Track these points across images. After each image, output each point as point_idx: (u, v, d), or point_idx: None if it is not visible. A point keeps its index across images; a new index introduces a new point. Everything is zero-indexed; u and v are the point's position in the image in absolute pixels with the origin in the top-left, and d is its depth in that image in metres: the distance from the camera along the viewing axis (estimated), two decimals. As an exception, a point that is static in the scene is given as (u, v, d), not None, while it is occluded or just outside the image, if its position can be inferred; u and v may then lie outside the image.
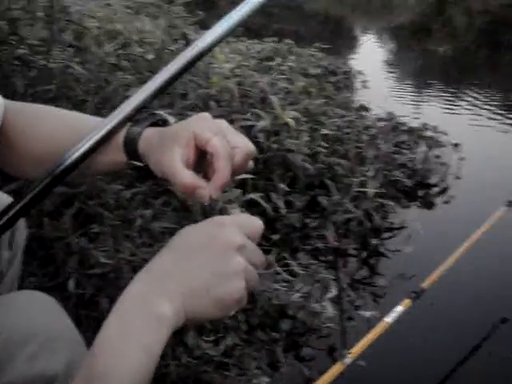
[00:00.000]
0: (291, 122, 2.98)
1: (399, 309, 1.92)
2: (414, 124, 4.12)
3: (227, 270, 0.63)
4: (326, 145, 3.35)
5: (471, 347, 2.37)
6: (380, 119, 4.06)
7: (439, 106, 6.17)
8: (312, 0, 15.16)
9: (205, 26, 4.10)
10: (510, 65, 9.58)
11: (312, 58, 5.22)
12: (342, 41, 9.87)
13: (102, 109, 2.18)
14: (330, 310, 2.44)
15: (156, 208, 2.18)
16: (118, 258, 1.82)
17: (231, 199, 2.42)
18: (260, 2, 0.86)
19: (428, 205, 3.68)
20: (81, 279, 1.76)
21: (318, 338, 2.35)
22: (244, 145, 0.73)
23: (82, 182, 1.79)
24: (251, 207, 2.66)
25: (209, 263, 0.63)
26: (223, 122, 0.74)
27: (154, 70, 2.72)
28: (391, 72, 8.42)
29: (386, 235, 3.24)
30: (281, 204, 2.94)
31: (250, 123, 3.07)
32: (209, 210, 2.58)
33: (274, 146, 3.03)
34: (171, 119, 0.87)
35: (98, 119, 0.86)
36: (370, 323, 2.37)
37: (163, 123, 0.82)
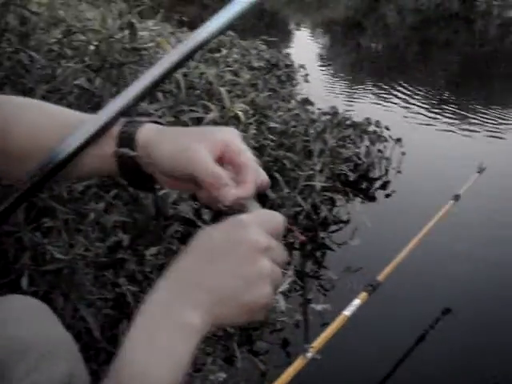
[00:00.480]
0: (241, 115, 2.95)
1: (356, 302, 1.93)
2: (358, 118, 4.17)
3: (253, 274, 0.60)
4: (273, 138, 3.34)
5: (417, 337, 2.43)
6: (325, 113, 4.08)
7: (376, 101, 6.29)
8: (247, -7, 15.11)
9: (148, 15, 4.03)
10: (439, 61, 9.87)
11: (254, 51, 5.20)
12: (279, 34, 9.89)
13: (50, 98, 2.09)
14: (282, 303, 2.43)
15: (107, 201, 2.12)
16: (73, 254, 1.75)
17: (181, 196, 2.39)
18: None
19: (371, 198, 3.74)
20: (34, 276, 1.69)
21: (272, 332, 2.35)
22: (264, 176, 0.71)
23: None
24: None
25: (234, 268, 0.60)
26: None
27: (100, 59, 2.64)
28: (328, 66, 8.53)
29: (332, 228, 3.27)
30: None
31: (197, 115, 3.02)
32: (161, 203, 2.51)
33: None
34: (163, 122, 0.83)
35: (82, 113, 0.81)
36: (322, 317, 2.39)
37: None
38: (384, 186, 3.88)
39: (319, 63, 8.50)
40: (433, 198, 3.23)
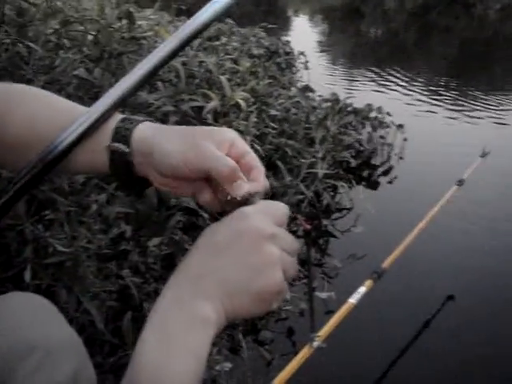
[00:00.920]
0: (242, 103, 2.93)
1: (362, 290, 1.92)
2: (359, 105, 4.14)
3: (261, 262, 0.59)
4: (275, 126, 3.32)
5: (422, 323, 2.42)
6: (326, 100, 4.05)
7: (377, 87, 6.25)
8: (245, -20, 15.05)
9: (146, 4, 3.99)
10: (439, 46, 9.82)
11: (253, 39, 5.17)
12: (278, 21, 9.83)
13: (49, 89, 2.06)
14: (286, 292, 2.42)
15: (109, 192, 2.10)
16: (75, 246, 1.74)
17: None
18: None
19: (374, 185, 3.72)
20: (37, 269, 1.67)
21: (277, 321, 2.34)
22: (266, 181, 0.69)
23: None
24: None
25: (241, 258, 0.59)
26: None
27: (99, 49, 2.62)
28: (328, 52, 8.48)
29: (335, 216, 3.25)
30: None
31: (198, 104, 3.00)
32: (164, 195, 2.49)
33: (224, 127, 2.98)
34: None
35: (80, 105, 0.78)
36: (327, 305, 2.38)
37: None
38: (387, 173, 3.86)
39: (319, 50, 8.46)
40: (436, 184, 3.22)
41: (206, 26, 0.80)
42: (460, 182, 2.62)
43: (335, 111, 3.90)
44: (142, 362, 0.55)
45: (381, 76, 6.77)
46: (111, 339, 1.82)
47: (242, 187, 0.64)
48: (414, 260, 2.63)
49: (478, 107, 5.65)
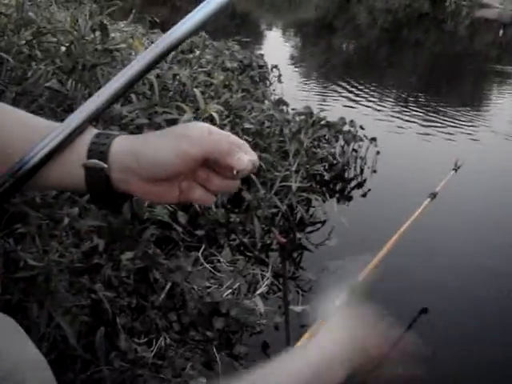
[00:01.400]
0: (216, 116, 2.92)
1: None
2: (332, 118, 4.17)
3: None
4: (248, 139, 3.32)
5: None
6: (299, 113, 4.06)
7: (350, 100, 6.31)
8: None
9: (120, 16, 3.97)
10: (410, 60, 9.95)
11: (227, 52, 5.18)
12: (251, 35, 9.88)
13: (21, 100, 2.04)
14: (260, 305, 2.41)
15: (81, 206, 2.07)
16: (47, 260, 1.71)
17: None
18: None
19: (348, 198, 3.74)
20: (7, 283, 1.64)
21: (252, 335, 2.32)
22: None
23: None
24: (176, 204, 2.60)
25: None
26: None
27: (72, 61, 2.59)
28: (301, 66, 8.54)
29: (309, 229, 3.26)
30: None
31: (172, 117, 2.99)
32: (136, 207, 2.45)
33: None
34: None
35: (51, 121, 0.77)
36: (302, 318, 2.37)
37: None
38: (360, 186, 3.89)
39: (292, 63, 8.51)
40: (409, 197, 3.24)
41: (183, 40, 0.79)
42: (433, 195, 2.64)
43: (309, 124, 3.91)
44: None
45: (353, 90, 6.83)
46: (83, 355, 1.79)
47: (244, 158, 0.64)
48: (388, 273, 2.64)
49: (450, 122, 5.73)
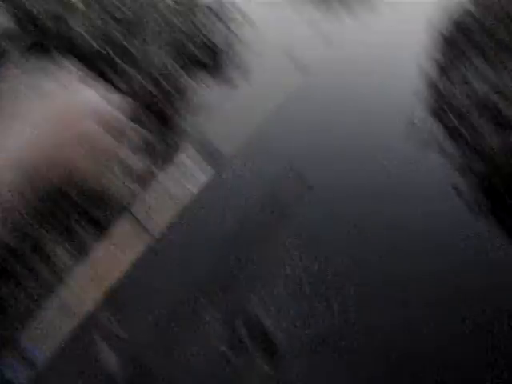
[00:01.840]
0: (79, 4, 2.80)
1: (203, 179, 1.97)
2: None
3: None
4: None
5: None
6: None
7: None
8: None
9: None
10: None
11: None
12: None
13: None
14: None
15: None
16: None
17: None
18: None
19: (227, 80, 3.71)
20: None
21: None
22: None
23: None
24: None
25: None
26: None
27: None
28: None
29: (189, 112, 3.26)
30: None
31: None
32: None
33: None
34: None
35: None
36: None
37: None
38: (237, 66, 3.87)
39: None
40: (283, 73, 3.27)
41: None
42: (304, 68, 2.66)
43: (186, 9, 3.82)
44: None
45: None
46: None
47: None
48: (266, 146, 2.69)
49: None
